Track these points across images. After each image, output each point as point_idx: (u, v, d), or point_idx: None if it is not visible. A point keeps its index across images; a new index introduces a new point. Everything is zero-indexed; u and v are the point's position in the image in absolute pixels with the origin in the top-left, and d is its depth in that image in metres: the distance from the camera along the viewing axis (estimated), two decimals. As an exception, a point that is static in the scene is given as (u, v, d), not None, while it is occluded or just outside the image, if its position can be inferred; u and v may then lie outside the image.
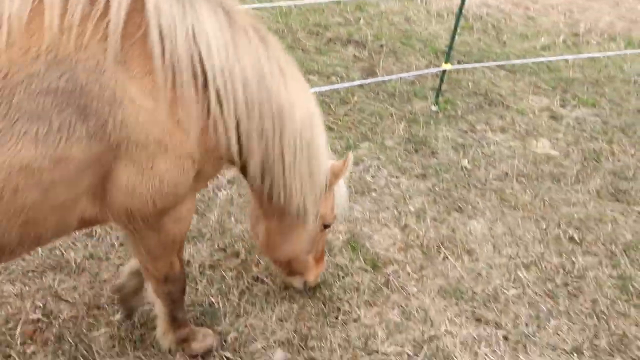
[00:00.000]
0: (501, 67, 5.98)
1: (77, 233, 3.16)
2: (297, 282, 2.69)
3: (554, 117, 5.21)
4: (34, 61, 1.42)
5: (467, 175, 4.12)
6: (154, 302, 2.29)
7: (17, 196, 1.47)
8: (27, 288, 2.69)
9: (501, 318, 2.79)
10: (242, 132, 1.86)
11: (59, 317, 2.55)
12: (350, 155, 2.35)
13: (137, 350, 2.42)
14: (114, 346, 2.43)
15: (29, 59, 1.42)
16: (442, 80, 5.11)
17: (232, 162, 2.00)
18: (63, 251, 2.98)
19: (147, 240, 1.96)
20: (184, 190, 1.83)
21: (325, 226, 2.50)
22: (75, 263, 2.90)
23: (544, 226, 3.57)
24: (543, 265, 3.21)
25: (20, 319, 2.51)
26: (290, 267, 2.60)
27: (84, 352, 2.37)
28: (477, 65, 5.78)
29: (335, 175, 2.32)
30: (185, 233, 2.05)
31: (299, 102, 1.98)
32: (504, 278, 3.08)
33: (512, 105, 5.36)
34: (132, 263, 2.45)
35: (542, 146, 4.65)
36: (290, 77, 1.93)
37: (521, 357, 2.60)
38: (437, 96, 5.17)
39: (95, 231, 3.15)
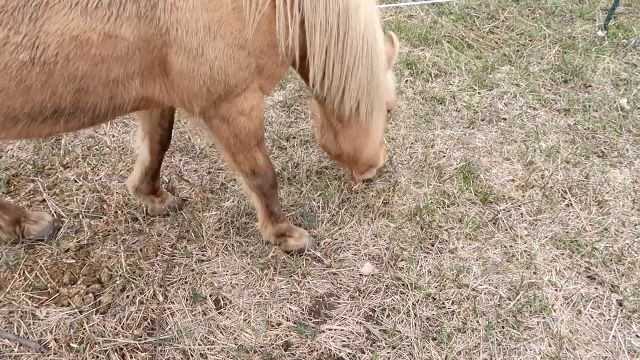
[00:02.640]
0: None
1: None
2: (370, 174, 2.80)
3: None
4: None
5: (621, 117, 3.53)
6: (249, 195, 2.41)
7: (70, 65, 1.56)
8: (158, 164, 3.02)
9: (620, 282, 2.47)
10: (306, 27, 1.82)
11: (178, 195, 2.84)
12: (394, 35, 2.34)
13: (240, 236, 2.63)
14: (220, 228, 2.66)
15: None
16: None
17: (293, 64, 1.98)
18: (191, 137, 3.25)
19: (220, 132, 2.04)
20: (238, 81, 1.83)
21: (389, 111, 2.58)
22: (200, 149, 3.16)
23: None
24: (692, 234, 2.72)
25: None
26: (368, 164, 2.67)
27: (195, 228, 2.64)
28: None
29: (388, 61, 2.32)
30: (255, 131, 2.06)
31: (364, 2, 1.90)
32: (637, 239, 2.68)
33: None
34: None
35: None
36: None
37: (634, 327, 2.31)
38: (607, 19, 4.37)
39: (220, 122, 3.36)
